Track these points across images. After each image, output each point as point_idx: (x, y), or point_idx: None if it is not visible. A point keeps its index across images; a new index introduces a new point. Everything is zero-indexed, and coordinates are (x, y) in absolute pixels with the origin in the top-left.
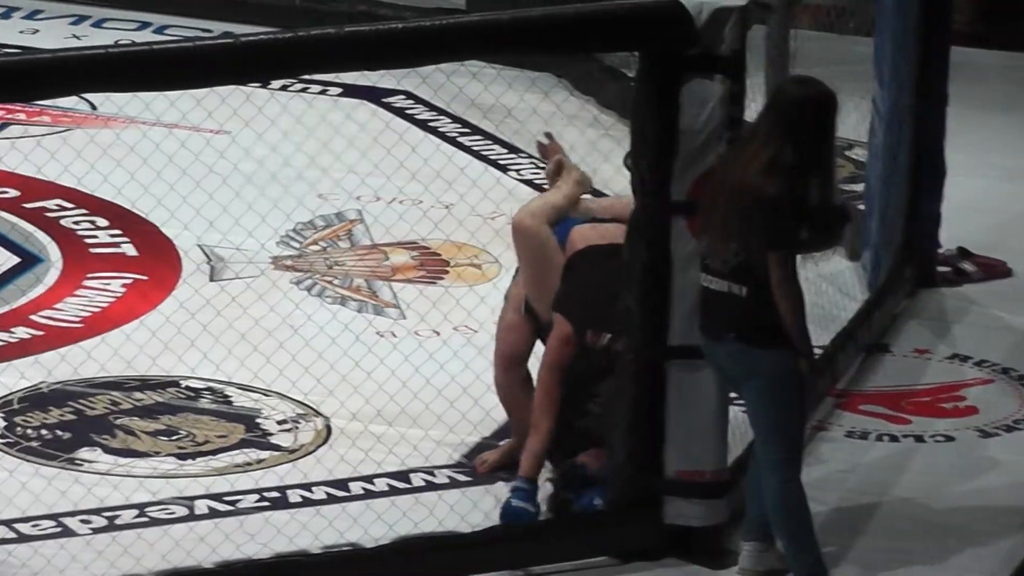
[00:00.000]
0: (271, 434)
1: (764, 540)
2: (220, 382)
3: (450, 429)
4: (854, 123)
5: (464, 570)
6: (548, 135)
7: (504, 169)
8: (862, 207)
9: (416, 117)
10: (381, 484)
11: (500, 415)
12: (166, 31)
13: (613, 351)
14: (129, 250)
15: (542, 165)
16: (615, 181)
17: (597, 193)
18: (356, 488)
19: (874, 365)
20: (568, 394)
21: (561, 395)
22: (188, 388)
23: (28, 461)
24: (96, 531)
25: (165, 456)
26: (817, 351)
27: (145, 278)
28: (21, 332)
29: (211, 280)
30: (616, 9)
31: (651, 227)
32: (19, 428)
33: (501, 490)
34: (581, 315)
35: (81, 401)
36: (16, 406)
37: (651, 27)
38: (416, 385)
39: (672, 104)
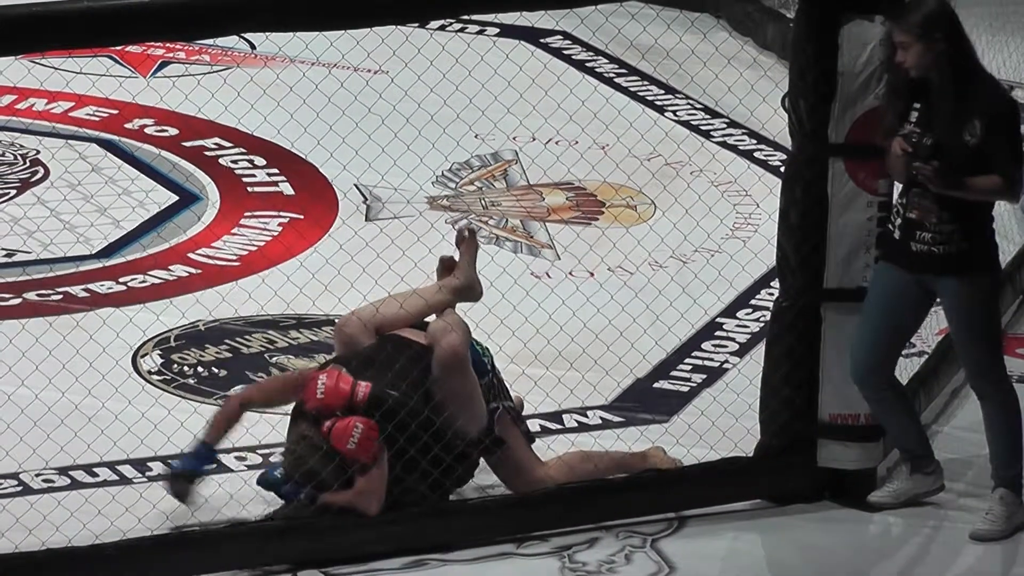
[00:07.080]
0: None
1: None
2: None
3: (606, 372)
4: (1015, 64)
5: (616, 515)
6: (470, 230)
7: (661, 110)
8: None
9: (573, 58)
10: (533, 425)
11: (655, 357)
12: None
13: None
14: (287, 189)
15: (699, 106)
16: (773, 123)
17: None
18: None
19: None
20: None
21: None
22: None
23: (184, 398)
24: (252, 468)
25: None
26: None
27: (302, 217)
28: (179, 270)
29: (367, 220)
30: None
31: (808, 170)
32: (176, 365)
33: (652, 432)
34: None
35: (237, 339)
36: (173, 344)
37: None
38: (572, 328)
39: (831, 45)
